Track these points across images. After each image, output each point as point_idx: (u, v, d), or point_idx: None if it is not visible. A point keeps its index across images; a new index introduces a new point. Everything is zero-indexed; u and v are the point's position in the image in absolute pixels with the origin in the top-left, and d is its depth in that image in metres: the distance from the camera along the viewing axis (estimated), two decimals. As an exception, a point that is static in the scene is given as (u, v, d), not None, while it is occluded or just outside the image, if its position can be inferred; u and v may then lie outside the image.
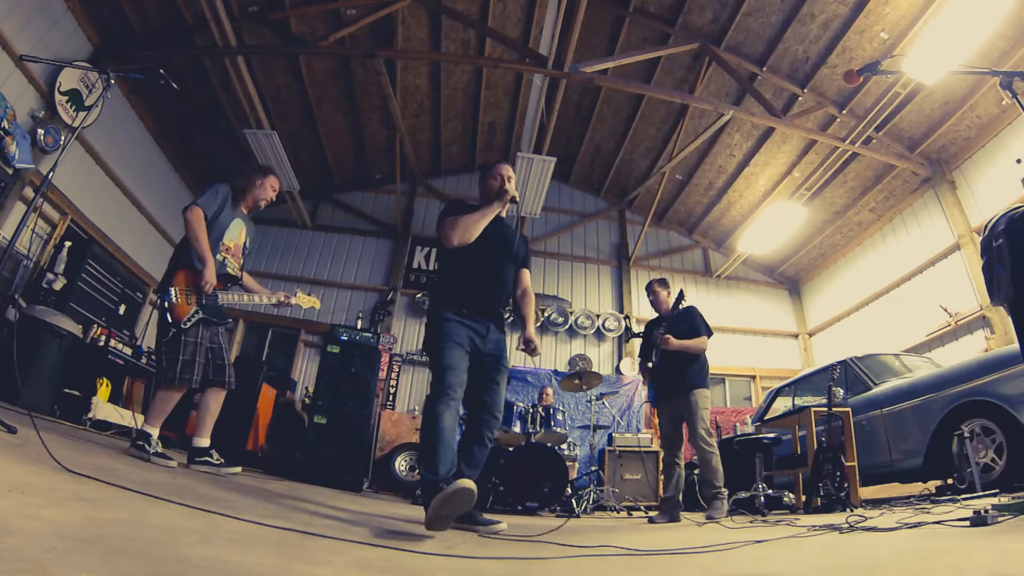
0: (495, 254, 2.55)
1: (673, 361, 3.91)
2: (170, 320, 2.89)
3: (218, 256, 3.08)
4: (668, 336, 3.88)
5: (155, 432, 2.92)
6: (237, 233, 3.25)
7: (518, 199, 2.53)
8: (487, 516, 2.31)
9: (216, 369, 3.08)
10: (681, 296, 3.98)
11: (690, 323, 4.02)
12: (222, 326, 3.15)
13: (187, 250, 2.99)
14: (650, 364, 4.05)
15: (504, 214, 2.64)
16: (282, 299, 3.35)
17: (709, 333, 4.04)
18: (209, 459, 3.02)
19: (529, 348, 2.55)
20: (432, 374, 2.27)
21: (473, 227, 2.44)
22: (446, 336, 2.31)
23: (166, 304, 2.89)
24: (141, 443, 2.82)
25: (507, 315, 2.64)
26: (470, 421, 2.42)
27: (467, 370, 2.30)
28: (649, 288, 4.31)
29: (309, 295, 3.57)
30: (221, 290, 3.08)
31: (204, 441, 3.09)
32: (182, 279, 2.96)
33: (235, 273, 3.24)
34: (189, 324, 2.93)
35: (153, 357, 6.30)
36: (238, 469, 3.06)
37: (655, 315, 4.32)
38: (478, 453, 2.37)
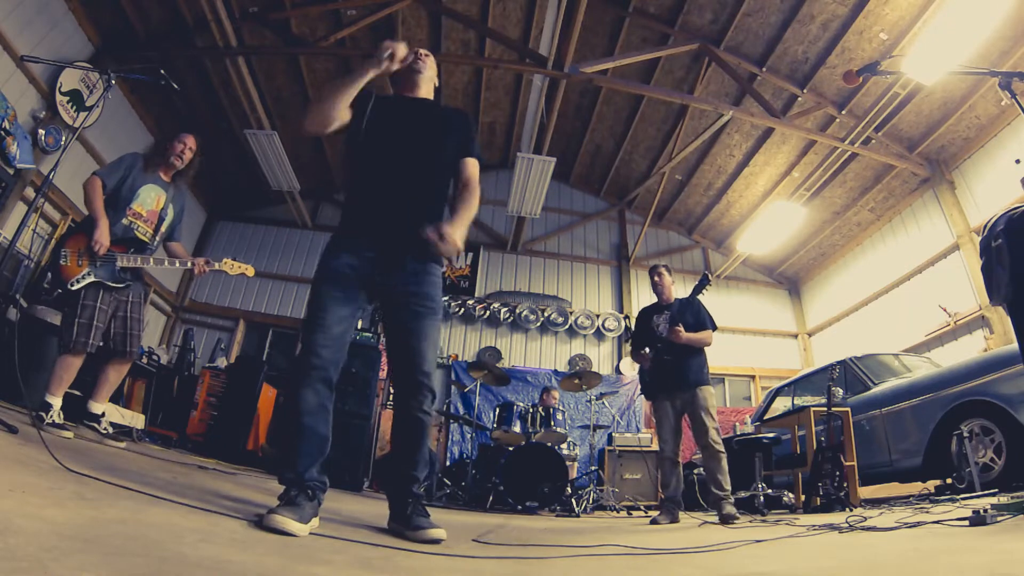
0: (404, 146, 1.82)
1: (679, 354, 3.73)
2: (57, 282, 2.91)
3: (124, 221, 3.05)
4: (679, 328, 3.68)
5: (56, 402, 2.87)
6: (151, 200, 3.18)
7: (402, 49, 1.83)
8: (424, 520, 1.66)
9: (117, 338, 3.04)
10: (705, 281, 3.74)
11: (695, 314, 3.82)
12: (127, 290, 3.08)
13: (88, 221, 2.99)
14: (646, 351, 3.83)
15: (421, 90, 1.97)
16: (201, 265, 3.19)
17: (714, 327, 3.87)
18: (96, 426, 2.97)
19: (434, 236, 1.62)
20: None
21: (326, 102, 1.75)
22: (318, 278, 1.75)
23: (58, 263, 2.88)
24: (40, 413, 2.77)
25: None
26: (397, 392, 1.84)
27: (353, 318, 1.73)
28: (655, 271, 4.04)
29: (242, 263, 3.41)
30: (122, 253, 3.01)
31: (98, 407, 3.05)
32: (75, 241, 2.94)
33: (145, 239, 3.15)
34: (78, 286, 2.89)
35: (154, 356, 6.31)
36: (123, 444, 2.99)
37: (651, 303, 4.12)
38: (410, 437, 1.80)
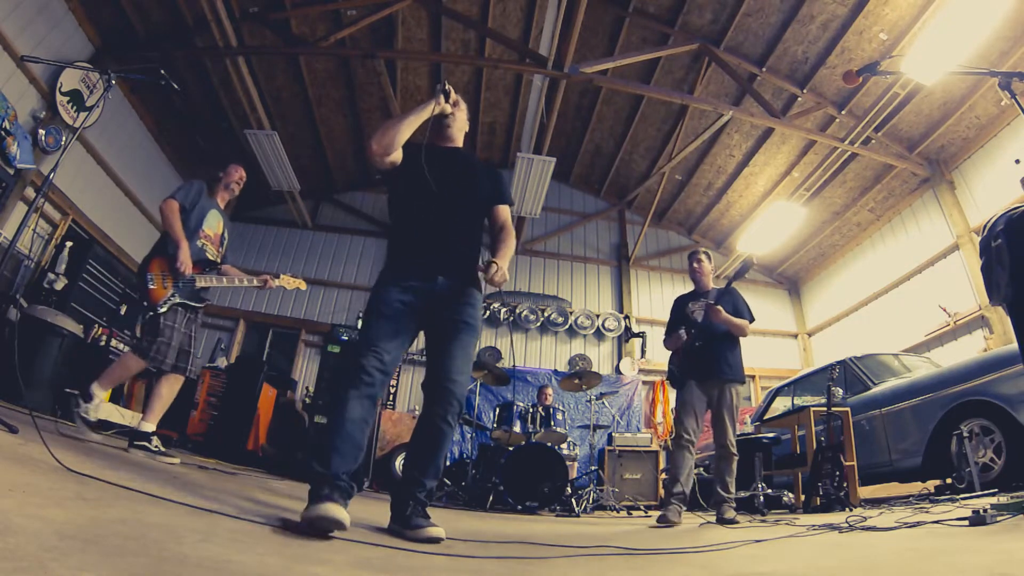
0: (445, 192, 2.01)
1: (713, 341, 3.61)
2: (146, 304, 3.05)
3: (197, 243, 3.25)
4: (719, 306, 3.50)
5: (102, 395, 2.98)
6: (215, 223, 3.45)
7: (453, 93, 2.11)
8: (423, 520, 1.72)
9: (181, 355, 3.18)
10: (748, 265, 3.59)
11: (733, 304, 3.68)
12: (200, 310, 3.28)
13: (164, 242, 3.14)
14: (680, 332, 3.66)
15: (454, 141, 2.20)
16: (267, 281, 3.44)
17: (752, 319, 3.74)
18: (147, 445, 2.99)
19: (487, 269, 1.89)
20: None
21: (396, 127, 1.95)
22: (370, 311, 1.92)
23: (148, 286, 3.04)
24: (79, 399, 2.88)
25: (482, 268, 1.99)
26: (425, 400, 1.93)
27: (402, 347, 1.91)
28: (695, 256, 3.88)
29: (294, 277, 3.65)
30: (199, 273, 3.20)
31: (149, 426, 3.08)
32: (156, 265, 3.09)
33: (214, 259, 3.39)
34: (165, 308, 3.05)
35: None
36: (176, 460, 2.99)
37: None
38: (428, 445, 1.87)
